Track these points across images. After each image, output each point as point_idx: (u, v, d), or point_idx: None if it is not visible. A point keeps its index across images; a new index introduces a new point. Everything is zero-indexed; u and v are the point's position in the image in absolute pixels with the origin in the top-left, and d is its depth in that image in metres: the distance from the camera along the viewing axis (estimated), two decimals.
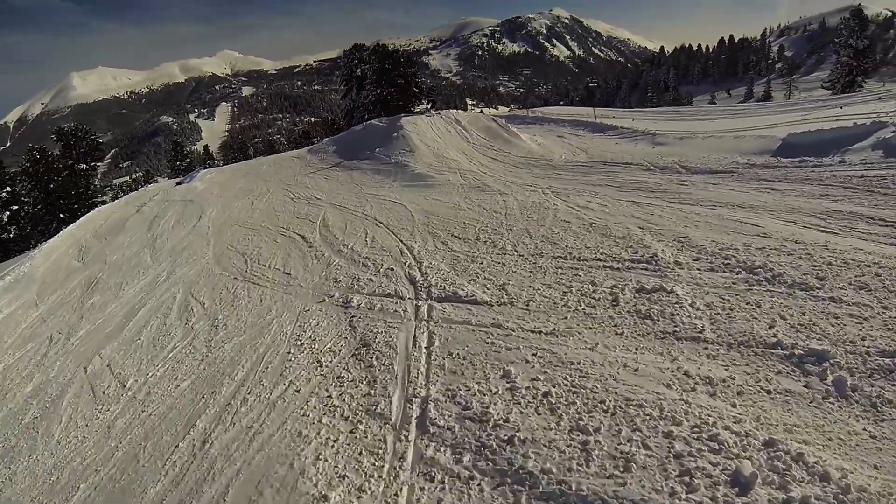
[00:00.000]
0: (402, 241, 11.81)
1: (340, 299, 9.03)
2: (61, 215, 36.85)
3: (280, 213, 18.58)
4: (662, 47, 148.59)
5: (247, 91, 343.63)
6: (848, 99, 31.53)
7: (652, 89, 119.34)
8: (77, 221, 26.06)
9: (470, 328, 6.86)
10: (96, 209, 29.31)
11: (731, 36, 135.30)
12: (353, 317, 8.16)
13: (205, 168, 47.25)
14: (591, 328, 6.24)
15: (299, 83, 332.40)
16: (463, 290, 8.13)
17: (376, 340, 7.11)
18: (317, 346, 7.45)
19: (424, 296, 8.32)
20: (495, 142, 24.36)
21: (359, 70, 49.97)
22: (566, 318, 6.62)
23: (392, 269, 9.89)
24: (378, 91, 46.86)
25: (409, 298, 8.37)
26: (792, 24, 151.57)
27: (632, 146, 21.48)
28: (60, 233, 24.38)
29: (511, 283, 8.11)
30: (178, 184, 31.73)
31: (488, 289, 8.04)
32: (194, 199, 24.96)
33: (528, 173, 18.14)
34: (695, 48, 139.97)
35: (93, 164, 44.64)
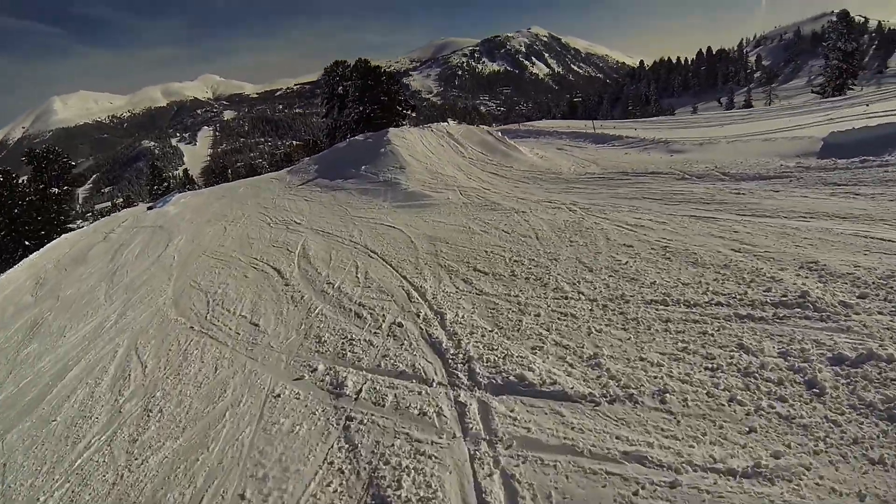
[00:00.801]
0: (405, 278, 9.25)
1: (327, 377, 6.11)
2: (27, 242, 34.04)
3: (255, 240, 15.94)
4: (642, 61, 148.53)
5: (228, 115, 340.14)
6: (838, 103, 30.06)
7: (633, 103, 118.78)
8: (41, 249, 23.45)
9: (581, 468, 3.72)
10: (63, 236, 26.68)
11: (710, 48, 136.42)
12: (349, 421, 5.03)
13: (180, 192, 44.83)
14: (817, 454, 3.43)
15: (280, 106, 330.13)
16: (531, 368, 5.12)
17: (401, 493, 3.93)
18: (290, 492, 4.27)
19: (466, 380, 5.25)
20: (493, 156, 22.07)
21: (340, 88, 48.00)
22: (754, 432, 3.74)
23: (400, 325, 7.16)
24: (361, 109, 44.96)
25: (441, 384, 5.30)
26: (768, 34, 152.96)
27: (646, 156, 19.57)
28: (22, 262, 21.78)
29: (605, 352, 5.19)
30: (150, 208, 29.33)
31: (573, 367, 5.05)
32: (164, 224, 22.44)
33: (539, 188, 15.90)
34: (674, 61, 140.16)
35: (66, 188, 42.13)
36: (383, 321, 7.48)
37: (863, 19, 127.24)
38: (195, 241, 17.84)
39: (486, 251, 9.79)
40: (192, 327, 9.58)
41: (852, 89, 51.48)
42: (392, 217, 14.98)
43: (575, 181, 16.27)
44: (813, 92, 59.36)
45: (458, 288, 8.15)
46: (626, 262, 7.78)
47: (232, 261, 13.95)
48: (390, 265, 10.19)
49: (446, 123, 27.49)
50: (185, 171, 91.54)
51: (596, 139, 26.65)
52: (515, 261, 8.88)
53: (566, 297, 6.92)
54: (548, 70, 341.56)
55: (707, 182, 12.67)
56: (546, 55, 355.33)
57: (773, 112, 33.01)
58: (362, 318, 7.81)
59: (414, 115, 45.97)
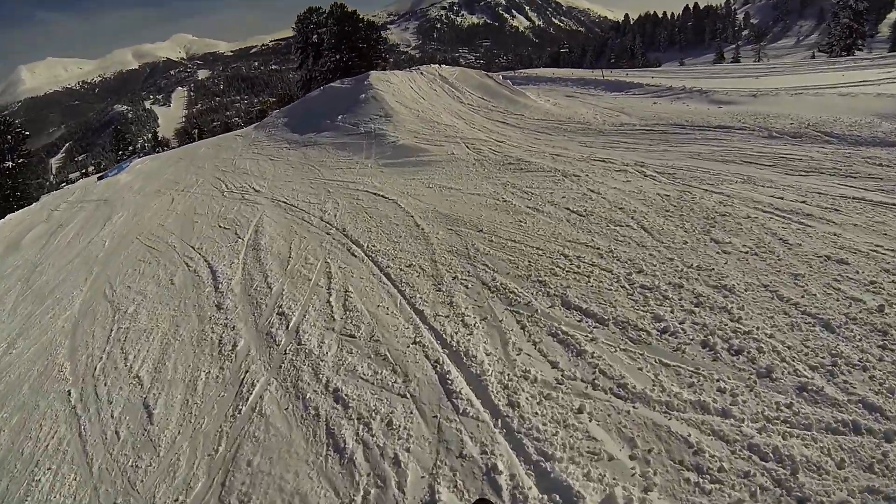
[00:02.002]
0: (423, 319, 5.16)
1: None
2: None
3: (200, 216, 12.07)
4: (627, 15, 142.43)
5: (203, 74, 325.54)
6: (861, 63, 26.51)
7: (616, 56, 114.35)
8: None
9: None
10: (8, 216, 22.71)
11: (696, 3, 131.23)
12: None
13: (138, 157, 40.64)
14: None
15: (256, 63, 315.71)
16: None
17: None
18: None
19: None
20: (497, 102, 18.07)
21: (315, 36, 43.31)
22: None
23: (439, 484, 3.24)
24: (337, 57, 40.60)
25: None
26: None
27: (684, 106, 15.92)
28: None
29: None
30: (101, 178, 25.79)
31: None
32: (110, 197, 18.90)
33: (571, 141, 12.18)
34: (660, 16, 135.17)
35: (21, 160, 37.58)
36: (390, 452, 3.55)
37: None
38: (135, 219, 14.19)
39: (562, 253, 5.90)
40: (67, 394, 5.88)
41: (860, 50, 47.87)
42: (379, 180, 11.07)
43: (613, 133, 12.49)
44: (820, 51, 55.36)
45: (558, 368, 4.00)
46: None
47: (165, 251, 10.22)
48: (388, 277, 6.27)
49: (437, 66, 23.17)
50: (155, 133, 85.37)
51: (609, 87, 22.59)
52: (643, 288, 4.85)
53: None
54: (528, 23, 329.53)
55: (812, 144, 9.01)
56: (527, 8, 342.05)
57: (799, 67, 29.34)
58: (346, 458, 3.64)
59: (387, 65, 41.49)
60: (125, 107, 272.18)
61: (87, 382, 5.90)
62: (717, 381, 3.48)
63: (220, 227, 10.64)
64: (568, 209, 7.26)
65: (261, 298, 6.54)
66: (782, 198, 6.43)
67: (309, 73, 43.97)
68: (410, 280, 6.02)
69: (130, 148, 63.31)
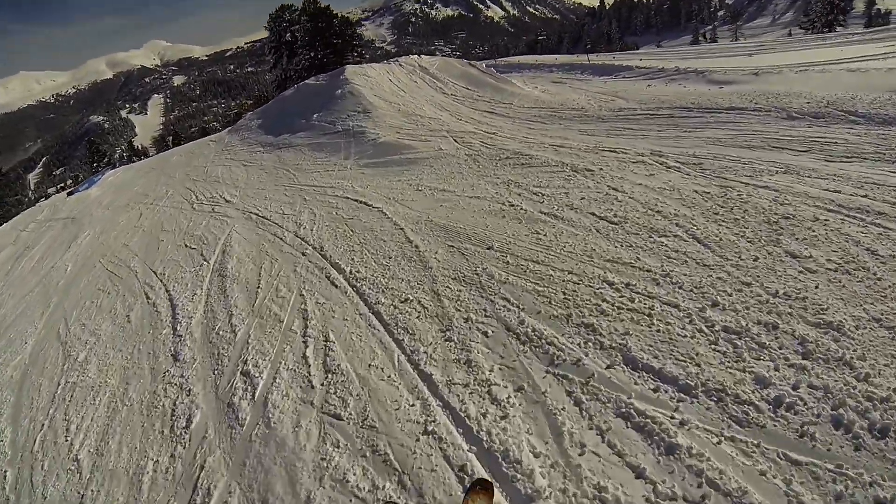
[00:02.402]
0: (429, 379, 3.91)
1: None
2: None
3: (167, 234, 10.91)
4: (603, 0, 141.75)
5: (178, 80, 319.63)
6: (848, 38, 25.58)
7: (593, 42, 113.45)
8: None
9: None
10: None
11: None
12: None
13: (112, 168, 39.23)
14: None
15: (232, 66, 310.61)
16: None
17: None
18: None
19: None
20: (482, 91, 16.89)
21: (288, 34, 41.85)
22: None
23: None
24: (312, 55, 39.29)
25: None
26: None
27: (682, 88, 14.95)
28: None
29: None
30: (70, 194, 24.65)
31: None
32: (78, 215, 17.69)
33: (570, 130, 11.07)
34: (636, 0, 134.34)
35: None
36: None
37: None
38: (101, 238, 13.05)
39: (605, 280, 4.57)
40: None
41: (842, 26, 47.13)
42: (361, 184, 9.85)
43: (615, 119, 11.40)
44: (801, 28, 54.60)
45: (645, 478, 2.68)
46: None
47: (126, 277, 9.07)
48: (378, 319, 4.94)
49: (415, 56, 21.85)
50: (130, 143, 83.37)
51: (596, 71, 21.48)
52: (728, 332, 3.56)
53: None
54: (503, 13, 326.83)
55: (839, 125, 7.91)
56: None
57: (789, 44, 28.46)
58: None
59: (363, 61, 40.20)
60: (101, 117, 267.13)
61: (25, 462, 4.80)
62: (871, 484, 2.35)
63: (185, 246, 9.44)
64: (593, 214, 5.98)
65: (223, 347, 5.31)
66: (839, 191, 5.31)
67: (284, 72, 42.48)
68: (409, 323, 4.67)
69: (106, 159, 61.54)
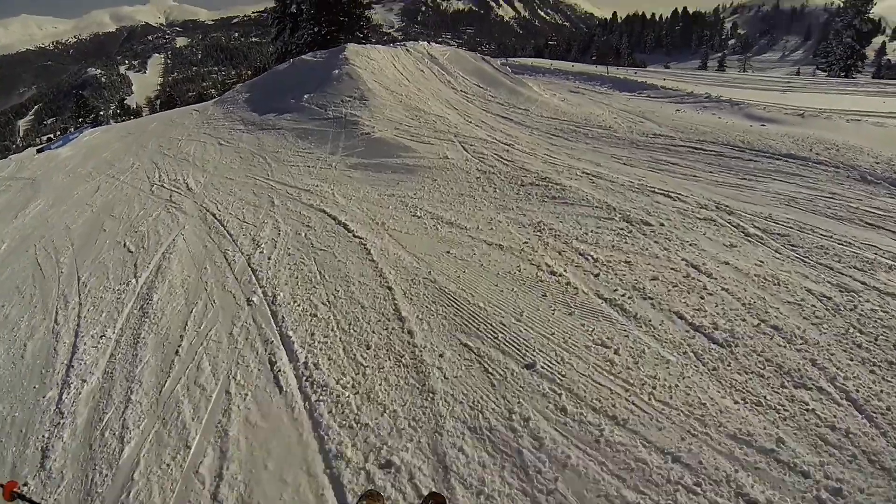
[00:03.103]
0: None
1: None
2: None
3: (112, 221, 9.12)
4: (615, 13, 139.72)
5: (181, 42, 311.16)
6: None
7: (601, 53, 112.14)
8: None
9: None
10: None
11: (685, 8, 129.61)
12: None
13: (91, 127, 37.15)
14: None
15: (237, 34, 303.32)
16: None
17: None
18: None
19: None
20: (496, 91, 14.94)
21: (294, 6, 39.56)
22: None
23: None
24: (315, 30, 37.09)
25: None
26: (746, 3, 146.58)
27: (716, 118, 13.07)
28: None
29: None
30: (40, 151, 22.75)
31: None
32: (39, 177, 15.98)
33: (599, 153, 9.38)
34: (648, 17, 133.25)
35: None
36: None
37: (841, 3, 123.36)
38: (50, 212, 11.37)
39: (739, 490, 2.55)
40: None
41: (859, 73, 45.88)
42: (344, 192, 7.88)
43: (650, 147, 9.60)
44: (819, 70, 53.21)
45: None
46: None
47: (49, 278, 7.28)
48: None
49: (425, 43, 19.75)
50: (122, 101, 79.89)
51: (617, 85, 19.62)
52: None
53: None
54: (514, 13, 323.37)
55: None
56: None
57: (817, 84, 26.82)
58: None
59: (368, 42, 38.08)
60: (99, 71, 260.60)
61: None
62: None
63: (124, 245, 7.57)
64: (683, 319, 3.91)
65: (101, 471, 3.40)
66: None
67: (285, 45, 40.19)
68: None
69: (93, 115, 59.18)
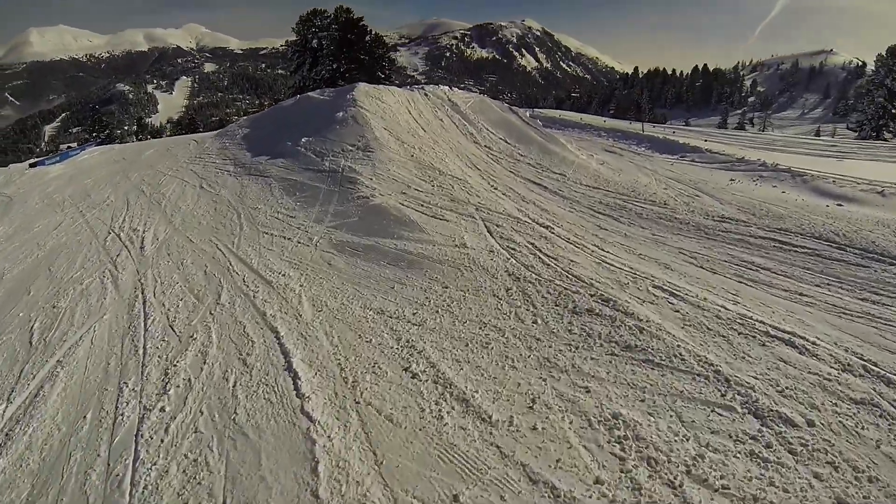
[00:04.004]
0: None
1: None
2: None
3: (43, 281, 7.24)
4: (637, 68, 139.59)
5: (209, 67, 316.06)
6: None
7: (620, 108, 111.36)
8: None
9: None
10: None
11: (706, 65, 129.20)
12: None
13: (95, 145, 35.97)
14: None
15: (263, 65, 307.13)
16: None
17: None
18: None
19: None
20: (526, 148, 12.83)
21: (315, 40, 38.26)
22: None
23: None
24: (335, 66, 35.77)
25: None
26: (765, 62, 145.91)
27: (780, 193, 11.00)
28: None
29: None
30: (33, 165, 21.31)
31: None
32: (17, 197, 14.56)
33: (661, 245, 7.33)
34: (668, 73, 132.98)
35: None
36: None
37: (860, 63, 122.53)
38: (3, 245, 9.71)
39: None
40: None
41: (891, 133, 43.95)
42: (315, 295, 5.55)
43: (724, 237, 7.54)
44: (849, 129, 51.62)
45: None
46: None
47: None
48: None
49: (447, 88, 17.65)
50: (140, 119, 79.17)
51: (656, 146, 17.51)
52: None
53: None
54: (536, 64, 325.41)
55: None
56: (536, 49, 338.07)
57: (865, 148, 24.73)
58: None
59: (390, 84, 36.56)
60: (127, 87, 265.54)
61: None
62: None
63: (29, 331, 5.58)
64: None
65: None
66: None
67: (303, 80, 38.86)
68: None
69: (106, 132, 58.34)
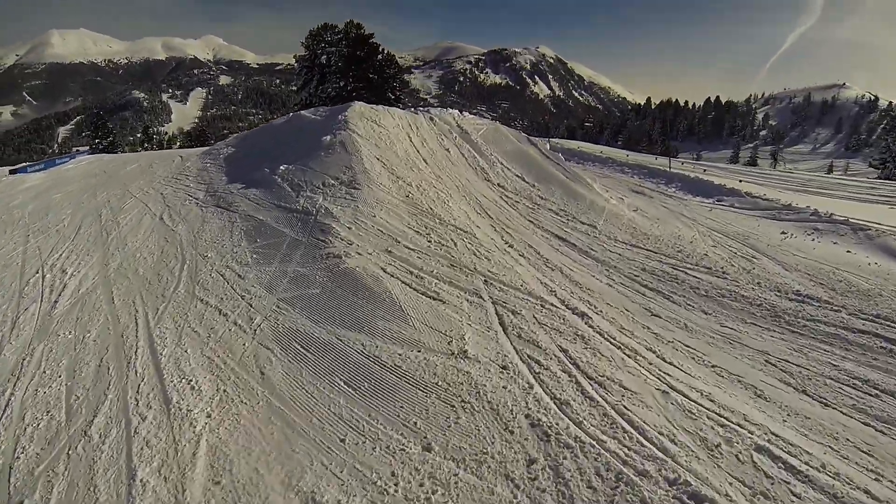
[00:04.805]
0: None
1: None
2: None
3: None
4: (650, 98, 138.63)
5: (224, 80, 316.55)
6: None
7: (631, 139, 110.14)
8: None
9: None
10: None
11: (718, 98, 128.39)
12: None
13: (87, 153, 35.03)
14: None
15: (278, 81, 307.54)
16: None
17: None
18: None
19: None
20: (547, 189, 10.79)
21: (324, 56, 36.67)
22: None
23: None
24: (342, 84, 34.07)
25: None
26: (777, 95, 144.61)
27: (849, 255, 8.77)
28: None
29: None
30: (13, 171, 21.09)
31: None
32: None
33: (733, 344, 5.43)
34: (681, 105, 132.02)
35: None
36: None
37: (872, 97, 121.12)
38: None
39: None
40: None
41: None
42: (226, 439, 3.54)
43: (810, 332, 5.64)
44: (871, 166, 50.00)
45: None
46: None
47: None
48: None
49: (456, 112, 15.48)
50: (146, 128, 77.98)
51: (687, 186, 15.43)
52: None
53: None
54: (549, 92, 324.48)
55: None
56: (550, 76, 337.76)
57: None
58: None
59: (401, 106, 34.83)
60: (143, 94, 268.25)
61: None
62: None
63: None
64: None
65: None
66: None
67: (309, 97, 37.22)
68: None
69: (109, 139, 57.22)
